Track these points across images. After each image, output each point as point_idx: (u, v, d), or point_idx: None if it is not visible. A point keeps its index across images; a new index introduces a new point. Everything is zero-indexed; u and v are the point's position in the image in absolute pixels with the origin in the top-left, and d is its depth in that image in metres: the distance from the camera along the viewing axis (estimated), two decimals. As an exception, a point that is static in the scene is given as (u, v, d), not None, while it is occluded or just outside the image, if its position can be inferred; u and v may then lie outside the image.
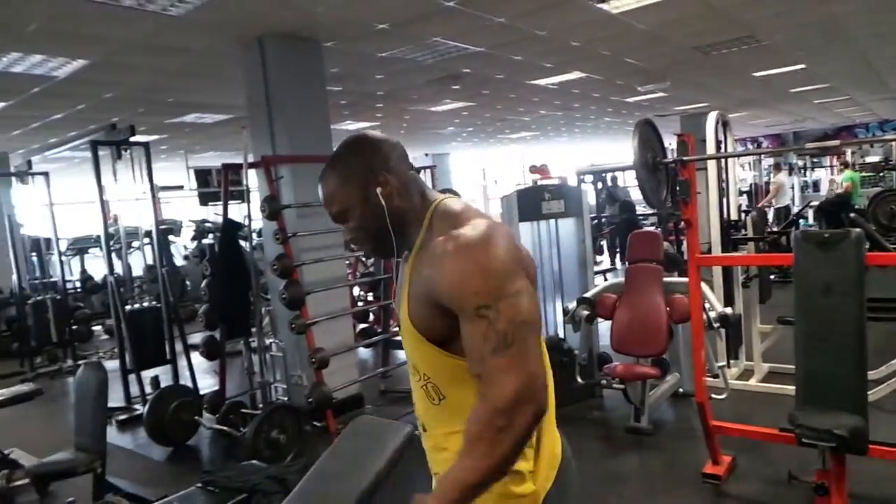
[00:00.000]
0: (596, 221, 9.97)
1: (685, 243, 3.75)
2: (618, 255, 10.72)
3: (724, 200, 4.85)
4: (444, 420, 1.24)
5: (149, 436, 4.46)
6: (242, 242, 4.66)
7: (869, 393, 2.90)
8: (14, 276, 7.40)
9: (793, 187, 14.79)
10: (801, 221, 9.41)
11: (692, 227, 3.15)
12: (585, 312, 4.36)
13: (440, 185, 8.74)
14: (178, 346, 5.28)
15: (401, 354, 5.60)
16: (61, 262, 7.53)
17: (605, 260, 11.17)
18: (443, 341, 1.18)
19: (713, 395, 3.45)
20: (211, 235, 9.06)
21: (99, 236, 9.51)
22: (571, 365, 4.43)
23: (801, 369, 2.79)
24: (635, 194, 11.94)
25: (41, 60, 4.74)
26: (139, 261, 9.22)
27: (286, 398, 4.68)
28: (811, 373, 2.74)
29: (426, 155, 14.80)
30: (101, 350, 7.79)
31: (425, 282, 1.16)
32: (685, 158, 3.06)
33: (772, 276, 5.69)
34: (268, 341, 4.71)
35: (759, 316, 5.00)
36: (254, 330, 4.54)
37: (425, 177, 9.82)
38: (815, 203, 8.81)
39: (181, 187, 9.16)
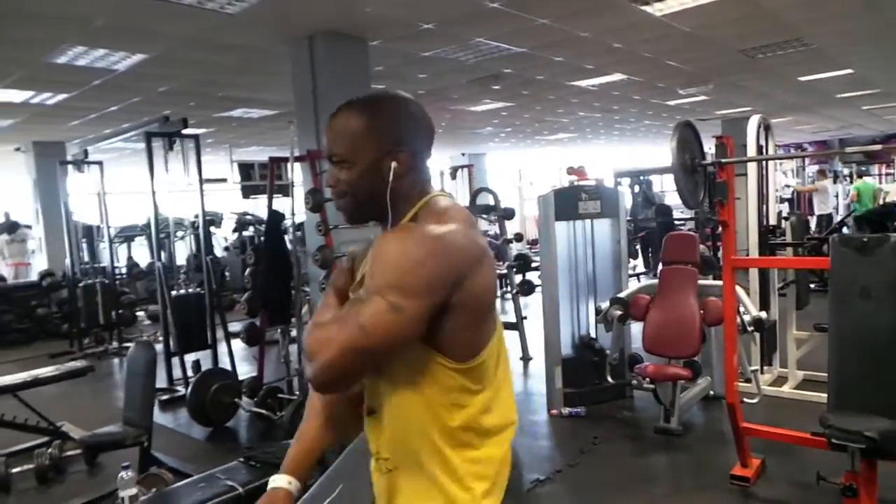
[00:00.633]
0: (632, 225, 9.90)
1: (721, 248, 3.75)
2: (651, 259, 10.61)
3: (764, 206, 4.81)
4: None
5: (190, 416, 4.64)
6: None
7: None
8: (67, 261, 7.75)
9: (836, 196, 14.42)
10: (844, 230, 9.21)
11: (728, 229, 3.16)
12: (618, 312, 4.37)
13: (476, 185, 8.80)
14: (219, 333, 5.47)
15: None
16: (110, 248, 7.85)
17: (638, 263, 11.09)
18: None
19: (744, 399, 3.45)
20: (251, 227, 9.32)
21: (145, 225, 9.91)
22: (602, 365, 4.46)
23: (833, 372, 2.79)
24: (670, 199, 11.83)
25: (104, 54, 4.98)
26: (182, 250, 9.60)
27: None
28: (844, 375, 2.74)
29: (463, 154, 14.83)
30: (146, 334, 8.08)
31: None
32: (723, 160, 3.08)
33: (811, 285, 5.61)
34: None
35: (794, 323, 4.93)
36: (293, 319, 4.69)
37: (462, 176, 9.96)
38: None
39: (224, 180, 9.46)
